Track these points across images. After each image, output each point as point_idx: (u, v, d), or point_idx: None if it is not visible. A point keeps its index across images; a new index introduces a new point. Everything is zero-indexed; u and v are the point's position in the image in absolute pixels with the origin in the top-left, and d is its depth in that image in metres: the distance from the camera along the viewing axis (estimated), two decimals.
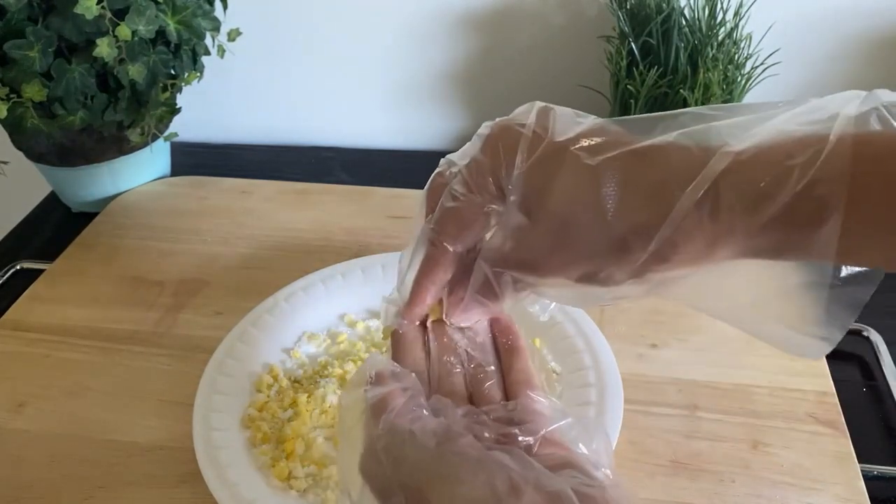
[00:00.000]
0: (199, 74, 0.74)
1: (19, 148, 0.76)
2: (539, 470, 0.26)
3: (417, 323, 0.35)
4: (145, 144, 0.78)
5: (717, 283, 0.28)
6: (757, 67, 0.71)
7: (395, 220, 0.73)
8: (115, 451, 0.51)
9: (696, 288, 0.29)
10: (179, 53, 0.71)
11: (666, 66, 0.70)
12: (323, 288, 0.60)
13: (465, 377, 0.34)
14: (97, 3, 0.62)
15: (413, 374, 0.32)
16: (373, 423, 0.29)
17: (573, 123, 0.30)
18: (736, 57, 0.69)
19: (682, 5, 0.71)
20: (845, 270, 0.26)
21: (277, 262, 0.68)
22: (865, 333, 0.58)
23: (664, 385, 0.54)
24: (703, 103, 0.68)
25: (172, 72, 0.71)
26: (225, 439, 0.48)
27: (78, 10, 0.62)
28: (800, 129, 0.25)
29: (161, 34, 0.68)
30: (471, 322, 0.35)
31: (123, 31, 0.64)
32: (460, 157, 0.32)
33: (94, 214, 0.76)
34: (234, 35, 0.76)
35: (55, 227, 0.79)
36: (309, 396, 0.52)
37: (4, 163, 0.69)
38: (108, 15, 0.64)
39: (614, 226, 0.27)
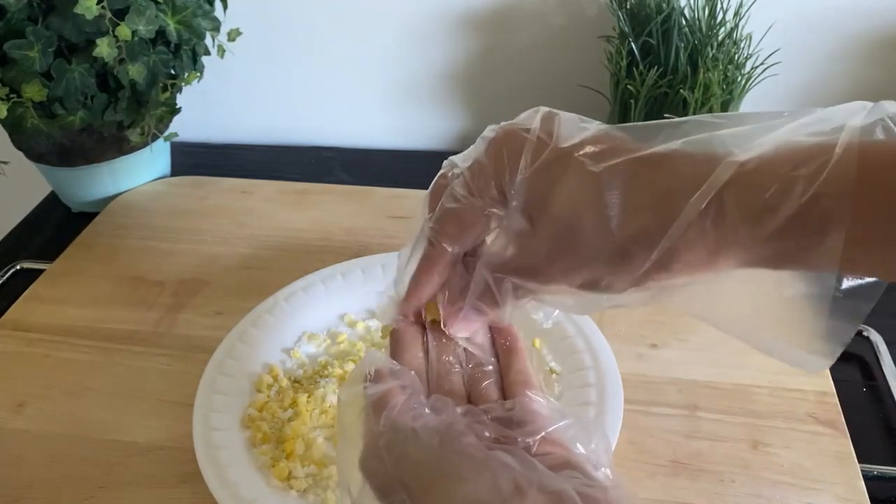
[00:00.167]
0: (199, 74, 0.74)
1: (19, 148, 0.76)
2: (542, 470, 0.26)
3: (414, 320, 0.35)
4: (145, 144, 0.78)
5: (717, 293, 0.28)
6: (757, 67, 0.71)
7: (395, 220, 0.73)
8: (115, 451, 0.51)
9: (697, 297, 0.29)
10: (179, 53, 0.71)
11: (666, 66, 0.70)
12: (323, 288, 0.60)
13: (464, 377, 0.34)
14: (97, 3, 0.62)
15: (412, 372, 0.32)
16: (373, 419, 0.29)
17: (577, 129, 0.29)
18: (736, 57, 0.69)
19: (682, 5, 0.71)
20: (846, 283, 0.26)
21: (277, 262, 0.68)
22: (865, 333, 0.58)
23: (664, 385, 0.54)
24: (703, 103, 0.68)
25: (172, 72, 0.71)
26: (225, 439, 0.48)
27: (78, 10, 0.62)
28: (805, 140, 0.25)
29: (161, 34, 0.68)
30: (469, 332, 0.34)
31: (123, 31, 0.64)
32: (463, 160, 0.32)
33: (94, 214, 0.76)
34: (234, 35, 0.76)
35: (55, 227, 0.79)
36: (309, 396, 0.52)
37: (4, 163, 0.69)
38: (108, 15, 0.64)
39: (617, 233, 0.27)
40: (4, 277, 0.70)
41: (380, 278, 0.61)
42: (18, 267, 0.71)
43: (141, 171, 0.80)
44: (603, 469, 0.28)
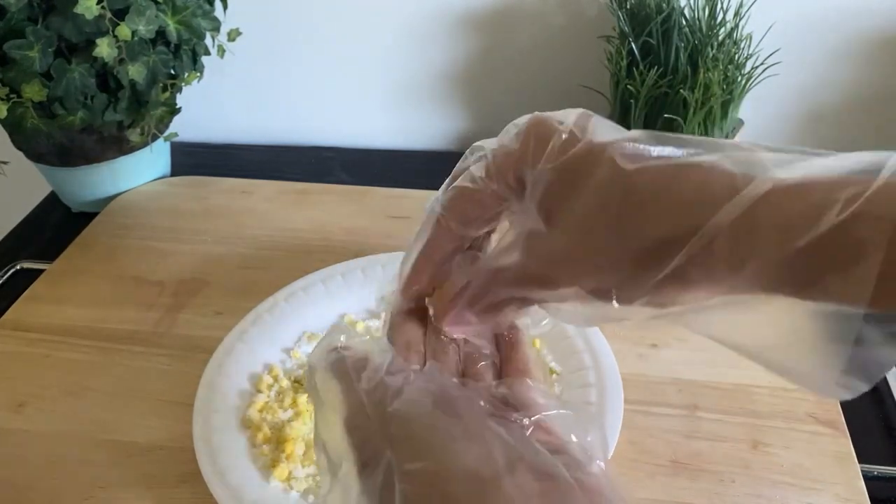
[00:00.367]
0: (199, 74, 0.74)
1: (19, 148, 0.76)
2: (537, 449, 0.26)
3: (415, 304, 0.34)
4: (145, 144, 0.78)
5: (734, 318, 0.27)
6: (757, 67, 0.71)
7: (395, 220, 0.73)
8: (115, 451, 0.51)
9: (717, 320, 0.28)
10: (179, 53, 0.71)
11: (666, 66, 0.70)
12: (323, 288, 0.60)
13: (460, 355, 0.33)
14: (97, 3, 0.62)
15: (383, 340, 0.31)
16: (355, 381, 0.28)
17: (613, 130, 0.28)
18: (736, 57, 0.69)
19: (682, 5, 0.71)
20: (871, 330, 0.24)
21: (277, 262, 0.68)
22: None
23: (664, 385, 0.54)
24: (703, 103, 0.68)
25: (172, 72, 0.71)
26: (225, 439, 0.48)
27: (78, 10, 0.62)
28: (848, 167, 0.24)
29: (161, 34, 0.68)
30: (461, 334, 0.33)
31: (123, 31, 0.64)
32: (489, 145, 0.31)
33: (94, 214, 0.76)
34: (234, 35, 0.76)
35: (55, 227, 0.79)
36: (309, 396, 0.52)
37: (4, 163, 0.69)
38: (108, 15, 0.64)
39: (639, 236, 0.26)
40: (4, 277, 0.70)
41: (380, 278, 0.61)
42: (18, 267, 0.71)
43: (141, 171, 0.80)
44: (597, 462, 0.27)
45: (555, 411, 0.29)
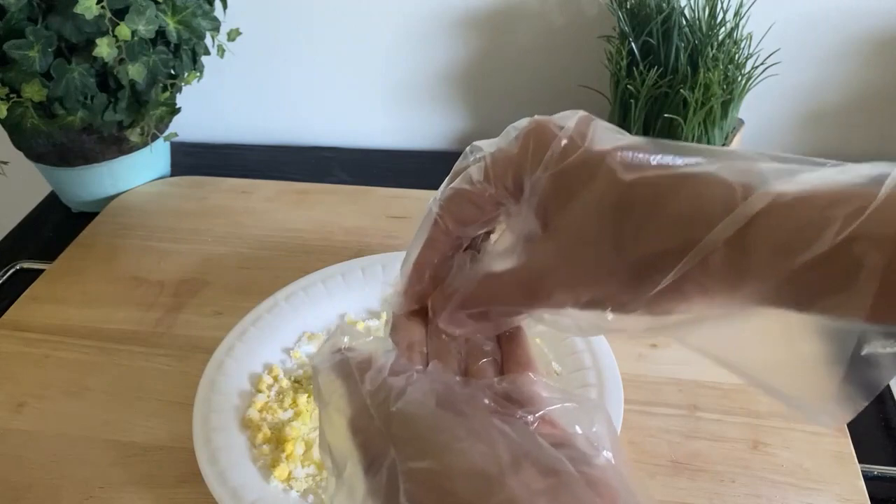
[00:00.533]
0: (199, 74, 0.74)
1: (19, 148, 0.76)
2: (542, 445, 0.25)
3: (417, 307, 0.34)
4: (145, 144, 0.78)
5: (730, 334, 0.27)
6: (757, 67, 0.71)
7: (395, 220, 0.73)
8: (114, 451, 0.51)
9: (713, 337, 0.27)
10: (179, 53, 0.71)
11: (666, 66, 0.70)
12: (323, 288, 0.60)
13: (461, 353, 0.32)
14: (97, 3, 0.62)
15: (387, 339, 0.31)
16: (359, 382, 0.28)
17: (613, 137, 0.28)
18: (736, 57, 0.69)
19: (683, 5, 0.71)
20: (867, 349, 0.24)
21: (277, 262, 0.68)
22: None
23: (664, 385, 0.54)
24: (703, 103, 0.68)
25: (172, 72, 0.71)
26: (225, 439, 0.48)
27: (78, 10, 0.62)
28: (848, 181, 0.24)
29: (161, 34, 0.68)
30: (459, 333, 0.32)
31: (123, 31, 0.64)
32: (489, 146, 0.31)
33: (94, 214, 0.76)
34: (234, 35, 0.76)
35: (55, 227, 0.79)
36: (309, 396, 0.52)
37: (4, 163, 0.70)
38: (108, 15, 0.64)
39: (636, 248, 0.26)
40: (4, 277, 0.70)
41: (380, 278, 0.61)
42: (18, 267, 0.71)
43: (141, 171, 0.80)
44: (605, 452, 0.27)
45: (559, 405, 0.28)
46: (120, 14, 0.65)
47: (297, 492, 0.47)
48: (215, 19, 0.73)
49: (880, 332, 0.24)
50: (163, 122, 0.75)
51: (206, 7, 0.72)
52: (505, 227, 0.31)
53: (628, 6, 0.73)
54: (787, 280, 0.23)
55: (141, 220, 0.75)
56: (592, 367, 0.51)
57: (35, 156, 0.76)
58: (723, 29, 0.70)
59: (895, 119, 0.83)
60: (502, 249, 0.30)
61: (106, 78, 0.68)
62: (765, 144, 0.85)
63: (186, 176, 0.83)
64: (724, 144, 0.73)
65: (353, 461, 0.26)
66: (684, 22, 0.71)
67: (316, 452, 0.49)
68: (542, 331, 0.56)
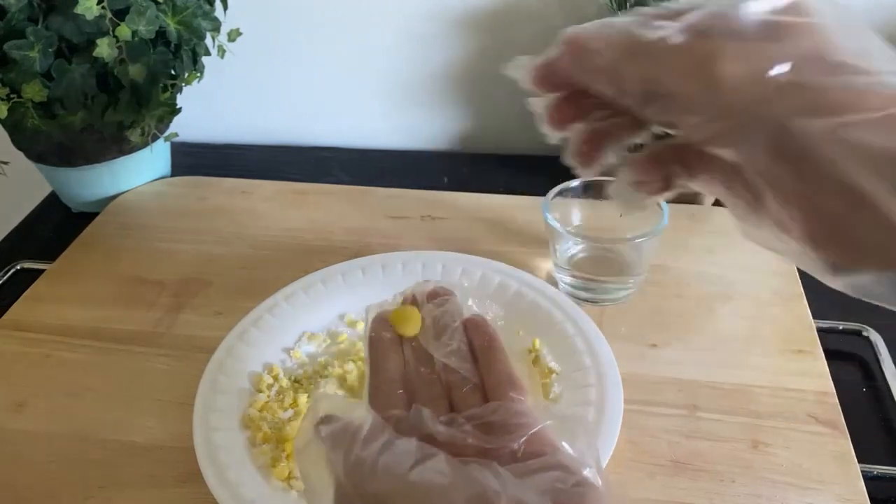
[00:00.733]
0: (199, 74, 0.74)
1: (19, 148, 0.76)
2: (515, 483, 0.26)
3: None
4: (145, 144, 0.78)
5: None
6: None
7: (395, 220, 0.73)
8: (114, 451, 0.51)
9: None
10: (179, 53, 0.71)
11: None
12: (323, 288, 0.60)
13: (442, 384, 0.33)
14: (97, 3, 0.63)
15: (364, 402, 0.32)
16: (334, 461, 0.29)
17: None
18: None
19: None
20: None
21: (277, 262, 0.68)
22: (865, 333, 0.58)
23: (664, 385, 0.54)
24: None
25: (172, 72, 0.71)
26: (225, 439, 0.48)
27: (78, 10, 0.62)
28: None
29: (161, 34, 0.68)
30: (595, 171, 0.30)
31: (123, 31, 0.64)
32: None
33: (94, 214, 0.76)
34: (234, 35, 0.76)
35: (55, 227, 0.79)
36: (309, 396, 0.52)
37: (4, 163, 0.70)
38: (109, 15, 0.64)
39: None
40: (4, 277, 0.70)
41: (380, 278, 0.61)
42: (18, 267, 0.71)
43: (141, 171, 0.80)
44: (587, 468, 0.28)
45: (542, 424, 0.29)
46: (120, 14, 0.65)
47: (297, 491, 0.47)
48: (215, 19, 0.73)
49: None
50: (163, 123, 0.75)
51: (207, 7, 0.72)
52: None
53: (628, 6, 0.73)
54: None
55: (141, 220, 0.75)
56: (592, 367, 0.51)
57: (35, 156, 0.76)
58: None
59: None
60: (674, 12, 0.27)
61: (106, 78, 0.68)
62: None
63: (187, 176, 0.83)
64: None
65: None
66: None
67: None
68: (542, 331, 0.56)
